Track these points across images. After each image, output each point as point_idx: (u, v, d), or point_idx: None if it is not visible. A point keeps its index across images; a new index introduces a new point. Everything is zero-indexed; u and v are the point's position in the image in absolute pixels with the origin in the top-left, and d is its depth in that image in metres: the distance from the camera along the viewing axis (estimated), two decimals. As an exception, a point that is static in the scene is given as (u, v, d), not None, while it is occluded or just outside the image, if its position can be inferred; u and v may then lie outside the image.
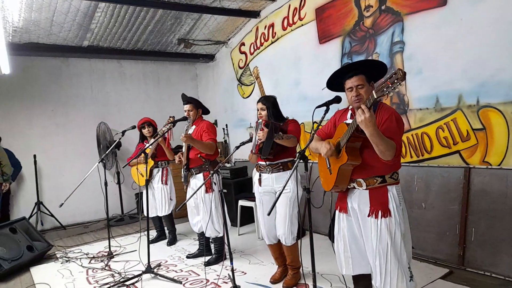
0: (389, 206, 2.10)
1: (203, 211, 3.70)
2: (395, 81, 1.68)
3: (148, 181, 3.67)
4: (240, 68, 6.13)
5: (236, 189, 5.15)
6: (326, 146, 2.17)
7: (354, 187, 2.23)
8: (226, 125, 6.74)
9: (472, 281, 2.87)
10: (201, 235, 3.94)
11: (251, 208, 4.56)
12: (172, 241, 4.61)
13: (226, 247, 3.83)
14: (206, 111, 3.91)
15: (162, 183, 4.48)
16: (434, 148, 3.50)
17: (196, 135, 3.66)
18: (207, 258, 3.76)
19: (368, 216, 2.15)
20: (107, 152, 4.23)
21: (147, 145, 4.18)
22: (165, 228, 4.77)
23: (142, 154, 4.33)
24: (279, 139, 2.82)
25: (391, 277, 2.06)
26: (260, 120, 2.98)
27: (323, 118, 2.20)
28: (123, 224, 5.99)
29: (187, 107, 3.78)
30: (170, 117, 4.02)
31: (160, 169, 4.51)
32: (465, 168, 3.22)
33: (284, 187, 2.25)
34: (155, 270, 3.56)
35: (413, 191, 3.59)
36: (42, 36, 5.03)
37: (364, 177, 2.15)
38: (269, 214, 2.00)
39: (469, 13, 3.10)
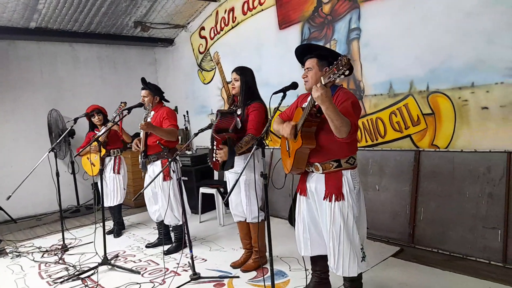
0: (343, 190, 2.16)
1: (162, 199, 3.62)
2: (340, 67, 1.73)
3: (102, 170, 3.53)
4: (201, 53, 6.01)
5: (197, 176, 5.10)
6: (287, 126, 2.20)
7: (312, 171, 2.27)
8: (187, 111, 6.62)
9: (421, 258, 3.03)
10: (160, 224, 3.87)
11: (212, 195, 4.53)
12: (118, 233, 4.49)
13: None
14: (163, 97, 3.79)
15: (114, 172, 4.33)
16: (387, 133, 3.62)
17: (156, 122, 3.56)
18: (167, 246, 3.71)
19: (323, 199, 2.21)
20: (57, 141, 4.01)
21: (99, 133, 4.02)
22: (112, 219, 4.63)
23: (95, 143, 4.15)
24: (239, 150, 2.81)
25: (344, 258, 2.14)
26: (216, 118, 2.93)
27: (280, 104, 2.21)
28: (79, 215, 5.76)
29: (143, 92, 3.68)
30: (121, 102, 3.85)
31: (112, 157, 4.36)
32: (416, 151, 3.37)
33: (241, 174, 2.25)
34: (112, 261, 3.47)
35: (368, 174, 3.71)
36: (-18, 16, 4.64)
37: (321, 161, 2.20)
38: (225, 200, 2.00)
39: (423, 1, 3.19)
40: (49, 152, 3.95)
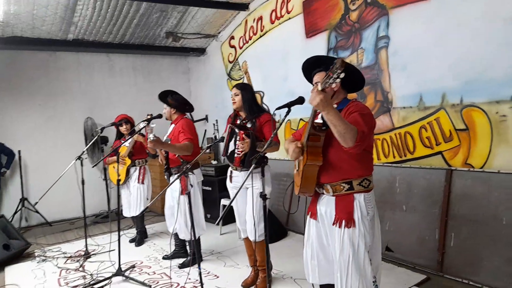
0: (354, 216, 1.97)
1: (178, 213, 3.54)
2: (335, 70, 1.58)
3: (119, 181, 3.55)
4: (230, 62, 5.99)
5: (220, 187, 5.03)
6: (291, 146, 2.04)
7: (323, 193, 2.10)
8: (216, 120, 6.62)
9: (449, 290, 2.74)
10: (177, 236, 3.83)
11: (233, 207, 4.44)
12: (140, 242, 4.51)
13: (201, 248, 3.79)
14: (184, 110, 3.70)
15: (139, 182, 4.35)
16: (416, 149, 3.35)
17: (173, 135, 3.52)
18: (182, 260, 3.67)
19: (333, 224, 2.03)
20: (83, 150, 4.10)
21: (124, 143, 4.09)
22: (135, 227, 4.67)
23: (122, 152, 4.28)
24: (261, 147, 2.70)
25: (352, 291, 1.94)
26: (232, 127, 2.86)
27: (283, 120, 2.08)
28: (109, 221, 5.92)
29: (164, 105, 3.68)
30: (148, 115, 3.88)
31: (138, 168, 4.39)
32: (447, 170, 3.07)
33: (243, 184, 2.13)
34: (128, 272, 3.47)
35: (395, 193, 3.44)
36: (25, 30, 4.93)
37: (331, 182, 2.02)
38: (217, 222, 1.88)
39: (458, 7, 2.93)
40: (76, 160, 4.06)
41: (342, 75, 1.59)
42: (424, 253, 3.12)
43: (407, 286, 2.82)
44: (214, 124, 6.66)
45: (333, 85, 1.69)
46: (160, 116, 3.63)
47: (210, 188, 5.10)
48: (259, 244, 2.95)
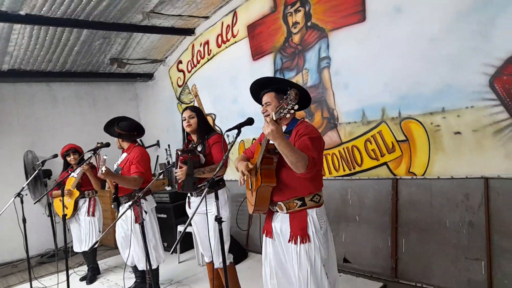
0: (309, 231, 2.02)
1: (134, 242, 3.40)
2: (289, 102, 1.64)
3: (65, 216, 3.36)
4: (179, 86, 5.97)
5: (176, 213, 4.91)
6: (242, 164, 2.08)
7: (277, 211, 2.14)
8: (169, 145, 6.49)
9: (404, 294, 2.85)
10: (136, 268, 3.65)
11: (191, 233, 4.34)
12: (92, 279, 4.27)
13: (160, 278, 3.64)
14: (132, 137, 3.58)
15: (89, 215, 4.12)
16: (364, 161, 3.52)
17: (126, 165, 3.38)
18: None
19: (288, 241, 2.06)
20: (23, 186, 3.82)
21: (71, 173, 3.89)
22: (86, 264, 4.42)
23: (69, 185, 4.04)
24: (200, 174, 2.69)
25: (313, 305, 1.96)
26: (177, 151, 2.84)
27: (234, 141, 2.10)
28: (56, 260, 5.51)
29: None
30: (97, 143, 3.72)
31: (87, 199, 4.16)
32: (393, 179, 3.25)
33: (196, 210, 2.10)
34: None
35: (347, 205, 3.57)
36: (-48, 61, 4.58)
37: (284, 199, 2.07)
38: (171, 251, 1.85)
39: (387, 28, 3.18)
40: (15, 197, 3.77)
41: (296, 107, 1.66)
42: (379, 262, 3.24)
43: (366, 296, 2.90)
44: (166, 149, 6.53)
45: (288, 116, 1.76)
46: (108, 144, 3.51)
47: (165, 216, 4.95)
48: (222, 270, 2.89)
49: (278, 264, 2.17)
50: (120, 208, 3.49)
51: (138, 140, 3.72)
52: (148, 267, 2.91)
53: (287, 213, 2.08)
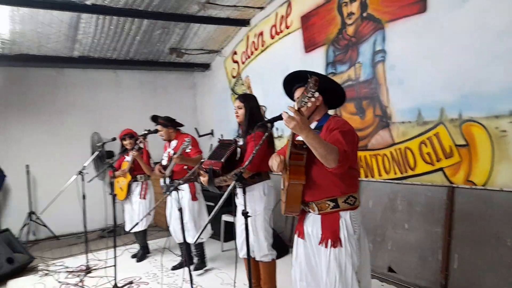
0: (340, 235, 1.90)
1: (188, 218, 3.75)
2: (309, 89, 1.55)
3: (115, 196, 3.62)
4: (233, 77, 6.01)
5: (223, 202, 4.97)
6: (276, 160, 2.02)
7: (309, 211, 2.05)
8: (222, 134, 6.60)
9: (451, 314, 2.60)
10: (182, 244, 3.87)
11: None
12: (141, 257, 4.50)
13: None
14: (177, 125, 3.95)
15: (140, 197, 4.34)
16: (417, 165, 3.25)
17: (178, 149, 3.65)
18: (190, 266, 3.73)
19: (319, 244, 1.97)
20: (84, 165, 4.15)
21: (126, 158, 4.14)
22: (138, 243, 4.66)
23: (124, 166, 4.30)
24: (222, 183, 2.68)
25: (339, 315, 1.86)
26: (219, 141, 2.85)
27: (266, 136, 2.04)
28: (116, 235, 5.92)
29: (158, 127, 3.94)
30: (144, 130, 3.92)
31: (140, 183, 4.37)
32: (449, 187, 2.96)
33: (221, 203, 2.09)
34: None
35: (396, 210, 3.34)
36: (31, 47, 5.06)
37: (316, 200, 1.97)
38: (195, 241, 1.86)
39: (450, 19, 2.86)
40: (77, 175, 4.10)
41: (316, 94, 1.56)
42: (427, 275, 2.99)
43: (407, 310, 2.70)
44: (219, 139, 6.63)
45: (309, 104, 1.65)
46: (156, 131, 3.70)
47: (213, 204, 5.05)
48: (263, 265, 2.88)
49: (309, 266, 2.09)
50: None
51: (195, 128, 3.99)
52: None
53: (318, 214, 1.98)
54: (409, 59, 3.19)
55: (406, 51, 3.20)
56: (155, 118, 3.96)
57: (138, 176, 4.37)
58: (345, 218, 1.92)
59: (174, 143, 3.94)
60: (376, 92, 3.52)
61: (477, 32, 2.68)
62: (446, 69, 2.91)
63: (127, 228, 4.49)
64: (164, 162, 3.93)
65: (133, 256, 4.61)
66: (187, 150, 3.51)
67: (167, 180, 3.73)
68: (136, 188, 4.39)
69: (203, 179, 2.78)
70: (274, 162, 2.05)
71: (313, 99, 1.59)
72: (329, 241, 1.92)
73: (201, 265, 3.97)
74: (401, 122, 3.34)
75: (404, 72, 3.25)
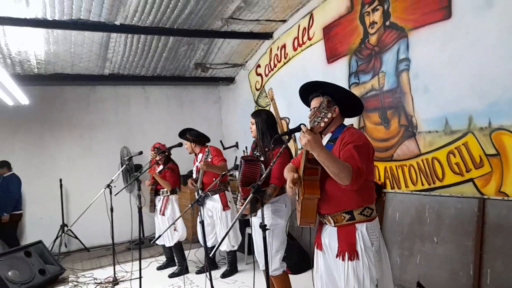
0: (357, 247, 1.86)
1: (219, 228, 4.02)
2: (322, 109, 1.58)
3: (141, 208, 3.72)
4: (257, 90, 6.06)
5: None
6: (289, 176, 2.00)
7: (325, 223, 2.02)
8: (246, 147, 6.64)
9: (485, 334, 2.45)
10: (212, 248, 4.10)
11: (258, 236, 4.37)
12: (177, 273, 4.39)
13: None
14: (202, 142, 4.15)
15: (160, 213, 4.36)
16: (446, 176, 3.13)
17: (206, 161, 3.88)
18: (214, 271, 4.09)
19: (336, 257, 1.93)
20: (112, 179, 4.29)
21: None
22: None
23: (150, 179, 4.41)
24: (267, 200, 2.68)
25: (359, 329, 1.80)
26: (240, 166, 2.85)
27: (283, 148, 2.04)
28: (143, 247, 6.03)
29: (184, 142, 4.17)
30: (153, 147, 4.15)
31: (162, 197, 4.39)
32: (479, 199, 2.82)
33: (239, 214, 2.09)
34: (149, 299, 3.51)
35: (424, 223, 3.21)
36: (65, 67, 5.33)
37: (331, 212, 1.95)
38: (212, 254, 1.86)
39: (475, 24, 2.77)
40: (105, 188, 4.24)
41: (329, 115, 1.58)
42: (457, 290, 2.85)
43: (437, 328, 2.57)
44: (243, 151, 6.69)
45: (322, 124, 1.67)
46: (181, 144, 3.81)
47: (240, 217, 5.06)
48: (275, 279, 2.85)
49: (330, 278, 2.05)
50: (207, 201, 4.09)
51: (220, 141, 4.21)
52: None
53: (335, 226, 1.95)
54: (434, 66, 3.11)
55: (431, 58, 3.12)
56: (183, 132, 4.17)
57: (161, 191, 4.40)
58: (362, 230, 1.89)
59: (200, 156, 4.10)
60: (400, 101, 3.45)
61: (504, 36, 2.58)
62: (473, 76, 2.81)
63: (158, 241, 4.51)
64: (194, 176, 4.16)
65: (158, 268, 4.65)
66: (208, 159, 3.71)
67: (199, 192, 3.90)
68: (158, 203, 4.42)
69: (245, 209, 2.77)
70: (288, 176, 2.04)
71: (326, 119, 1.63)
72: (346, 253, 1.88)
73: (232, 272, 4.19)
74: (428, 132, 3.24)
75: (429, 80, 3.17)
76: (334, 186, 1.85)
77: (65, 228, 5.96)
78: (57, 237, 5.87)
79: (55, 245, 5.85)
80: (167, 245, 4.41)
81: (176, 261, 4.50)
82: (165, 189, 4.37)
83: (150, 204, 4.42)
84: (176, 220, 3.79)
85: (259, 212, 2.80)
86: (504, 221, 2.64)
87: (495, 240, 2.67)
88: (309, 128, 1.67)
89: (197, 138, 4.11)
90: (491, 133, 2.75)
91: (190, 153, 4.22)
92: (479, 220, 2.78)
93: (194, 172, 4.19)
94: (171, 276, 4.31)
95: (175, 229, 4.31)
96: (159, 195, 4.40)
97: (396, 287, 2.56)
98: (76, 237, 6.00)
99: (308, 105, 2.14)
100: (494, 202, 2.73)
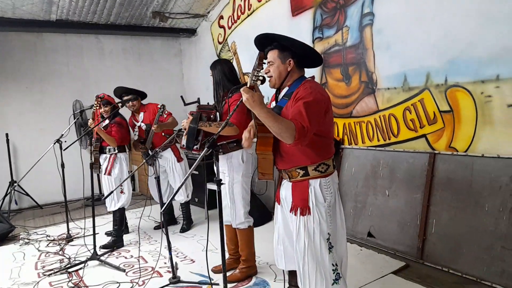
0: (309, 203, 1.86)
1: (173, 180, 4.06)
2: (255, 67, 1.59)
3: (92, 164, 3.52)
4: (220, 43, 5.82)
5: (208, 170, 4.93)
6: (245, 135, 1.99)
7: (283, 178, 2.01)
8: (208, 102, 6.46)
9: (426, 277, 2.63)
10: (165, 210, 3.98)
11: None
12: (109, 245, 3.76)
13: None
14: (144, 95, 4.05)
15: (105, 173, 3.80)
16: (401, 132, 3.21)
17: (150, 119, 3.81)
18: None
19: (290, 211, 1.94)
20: (62, 133, 4.03)
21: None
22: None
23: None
24: (205, 126, 2.59)
25: (310, 279, 1.85)
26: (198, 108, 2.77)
27: (237, 106, 1.96)
28: (101, 203, 5.88)
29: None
30: (97, 97, 3.84)
31: (108, 155, 3.84)
32: (430, 153, 2.93)
33: (193, 168, 2.02)
34: (105, 256, 3.43)
35: (378, 177, 3.33)
36: (5, 10, 4.79)
37: (286, 168, 1.93)
38: (163, 209, 1.83)
39: (440, -21, 2.73)
40: (54, 143, 4.00)
41: (260, 74, 1.53)
42: (405, 240, 3.02)
43: (384, 273, 2.72)
44: (197, 104, 6.50)
45: (258, 83, 1.69)
46: (136, 98, 3.63)
47: (197, 172, 5.02)
48: (239, 232, 2.87)
49: (286, 231, 2.07)
50: (158, 159, 3.92)
51: (180, 96, 4.01)
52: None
53: (290, 181, 1.94)
54: (397, 22, 3.08)
55: (395, 13, 3.09)
56: (119, 90, 3.94)
57: (107, 149, 3.84)
58: (314, 186, 1.88)
59: (141, 115, 3.93)
60: (362, 57, 3.42)
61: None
62: (435, 33, 2.82)
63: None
64: (136, 137, 3.96)
65: (107, 234, 4.18)
66: (164, 116, 3.59)
67: (150, 152, 3.65)
68: (104, 162, 3.87)
69: (186, 121, 2.69)
70: (244, 134, 2.02)
71: (261, 78, 1.62)
72: (299, 209, 1.89)
73: (188, 226, 4.21)
74: (387, 88, 3.27)
75: (391, 36, 3.15)
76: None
77: (15, 185, 5.65)
78: (6, 194, 5.58)
79: (5, 203, 5.57)
80: (110, 209, 3.84)
81: (112, 229, 3.92)
82: (112, 147, 3.83)
83: (94, 162, 3.79)
84: (123, 181, 3.53)
85: (221, 168, 2.78)
86: (452, 174, 2.77)
87: (442, 193, 2.81)
88: (247, 86, 1.61)
89: (140, 94, 3.93)
90: (446, 90, 2.81)
91: (134, 111, 3.92)
92: (429, 174, 2.91)
93: (137, 133, 3.92)
94: (102, 247, 3.67)
95: (121, 192, 3.84)
96: (105, 153, 3.87)
97: (348, 237, 2.67)
98: (27, 194, 5.72)
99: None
100: (444, 157, 2.85)
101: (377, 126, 3.39)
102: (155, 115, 3.63)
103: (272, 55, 1.87)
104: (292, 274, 2.23)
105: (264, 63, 1.59)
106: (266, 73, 1.88)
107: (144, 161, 2.88)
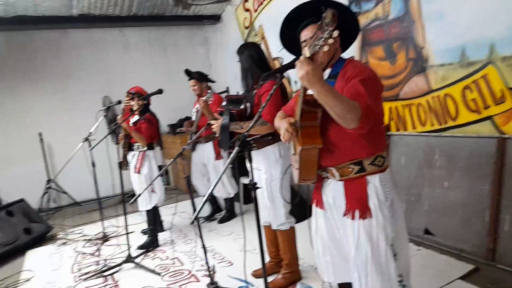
0: (370, 203, 1.56)
1: (213, 178, 3.91)
2: (325, 27, 1.16)
3: (121, 163, 3.38)
4: (246, 28, 5.50)
5: (241, 163, 4.70)
6: (283, 125, 1.63)
7: (327, 177, 1.70)
8: (237, 92, 6.21)
9: (501, 282, 2.27)
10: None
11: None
12: (145, 245, 3.63)
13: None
14: (211, 81, 4.04)
15: (135, 171, 3.59)
16: (460, 114, 2.80)
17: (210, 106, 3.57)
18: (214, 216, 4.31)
19: (344, 215, 1.63)
20: (90, 131, 3.91)
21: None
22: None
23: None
24: (237, 129, 2.35)
25: (372, 294, 1.56)
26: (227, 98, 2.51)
27: (274, 90, 1.67)
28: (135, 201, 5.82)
29: (190, 82, 3.89)
30: (128, 92, 3.64)
31: (136, 153, 3.62)
32: (499, 138, 2.52)
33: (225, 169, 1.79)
34: (139, 258, 3.30)
35: (433, 167, 2.94)
36: (27, 8, 4.71)
37: (336, 164, 1.61)
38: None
39: None
40: (83, 142, 3.89)
41: (335, 34, 1.16)
42: (471, 238, 2.64)
43: (451, 278, 2.37)
44: (226, 95, 6.25)
45: (325, 48, 1.25)
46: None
47: (231, 166, 4.80)
48: (279, 234, 2.62)
49: (332, 240, 1.75)
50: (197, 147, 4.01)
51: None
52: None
53: (340, 180, 1.63)
54: (451, -14, 2.64)
55: (448, -24, 2.65)
56: (189, 73, 3.91)
57: (135, 145, 3.62)
58: (374, 183, 1.57)
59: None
60: (409, 31, 3.01)
61: None
62: (499, -5, 2.37)
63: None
64: (193, 118, 4.00)
65: (143, 232, 4.05)
66: (209, 102, 3.12)
67: (193, 136, 3.71)
68: (132, 160, 3.66)
69: (216, 123, 2.49)
70: (282, 125, 1.65)
71: (331, 40, 1.20)
72: (357, 212, 1.58)
73: (230, 217, 4.17)
74: (440, 65, 2.85)
75: (444, 4, 2.71)
76: (339, 132, 1.50)
77: (52, 184, 5.69)
78: (44, 193, 5.62)
79: (44, 202, 5.62)
80: (142, 209, 3.69)
81: (147, 227, 3.77)
82: (140, 144, 3.60)
83: (123, 160, 3.66)
84: (154, 180, 3.25)
85: (257, 164, 2.52)
86: (527, 162, 2.36)
87: (515, 183, 2.41)
88: (308, 54, 1.28)
89: (204, 77, 3.92)
90: (517, 62, 2.38)
91: (197, 94, 3.89)
92: (498, 162, 2.51)
93: (194, 114, 4.01)
94: (139, 248, 3.56)
95: (152, 191, 3.61)
96: (133, 150, 3.66)
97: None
98: (64, 192, 5.75)
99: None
100: (516, 142, 2.44)
101: (430, 109, 2.99)
102: (216, 104, 3.52)
103: (311, 30, 1.53)
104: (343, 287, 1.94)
105: (327, 28, 1.15)
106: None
107: (182, 149, 2.56)
